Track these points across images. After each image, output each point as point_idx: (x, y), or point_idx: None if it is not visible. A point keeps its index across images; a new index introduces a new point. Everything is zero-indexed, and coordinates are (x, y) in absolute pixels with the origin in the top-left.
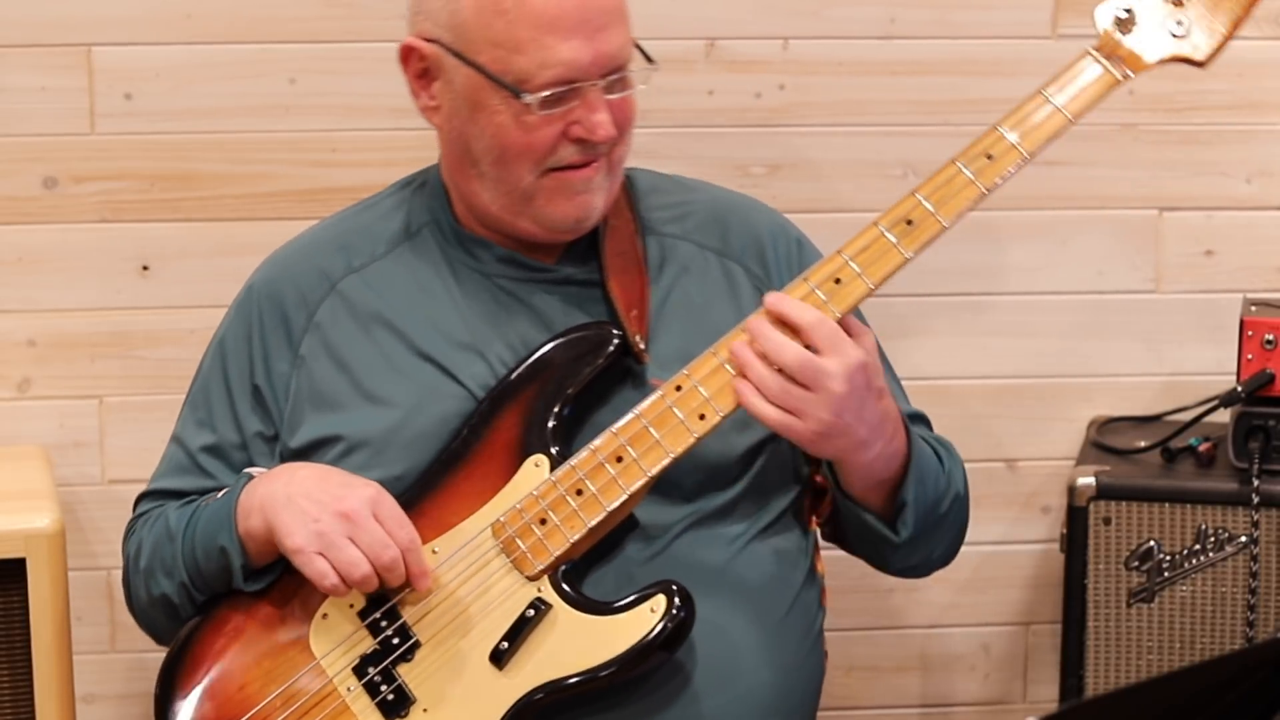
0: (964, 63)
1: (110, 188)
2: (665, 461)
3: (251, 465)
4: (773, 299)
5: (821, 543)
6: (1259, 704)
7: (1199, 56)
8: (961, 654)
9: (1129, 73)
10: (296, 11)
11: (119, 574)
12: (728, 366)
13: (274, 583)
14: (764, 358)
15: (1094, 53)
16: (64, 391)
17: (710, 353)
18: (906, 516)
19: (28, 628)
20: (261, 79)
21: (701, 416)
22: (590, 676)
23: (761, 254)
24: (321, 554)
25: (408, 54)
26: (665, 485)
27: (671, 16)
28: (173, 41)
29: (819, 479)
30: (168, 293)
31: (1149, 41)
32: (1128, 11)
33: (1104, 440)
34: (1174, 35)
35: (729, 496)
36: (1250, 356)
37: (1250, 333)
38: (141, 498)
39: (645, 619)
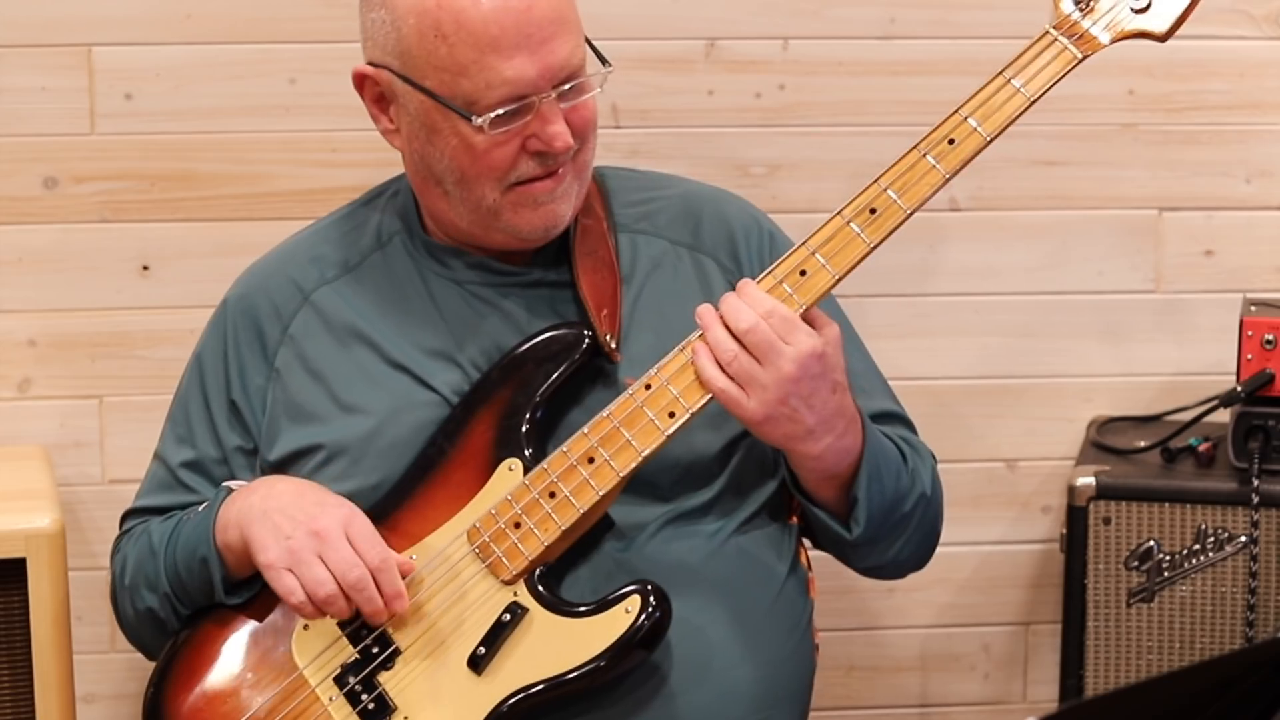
0: (964, 63)
1: (110, 188)
2: (637, 461)
3: (232, 479)
4: (729, 297)
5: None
6: (1259, 704)
7: (1159, 30)
8: (961, 654)
9: (1089, 50)
10: (296, 11)
11: None
12: (693, 349)
13: (256, 595)
14: (725, 325)
15: (1054, 31)
16: (64, 391)
17: (679, 350)
18: (858, 514)
19: (28, 627)
20: (261, 79)
21: (671, 414)
22: (567, 679)
23: (734, 247)
24: (290, 570)
25: (361, 80)
26: (641, 485)
27: (671, 16)
28: (173, 42)
29: None
30: (168, 293)
31: (1109, 18)
32: None
33: (1104, 440)
34: (1134, 10)
35: (707, 494)
36: (1250, 356)
37: (1250, 333)
38: (126, 515)
39: (621, 619)
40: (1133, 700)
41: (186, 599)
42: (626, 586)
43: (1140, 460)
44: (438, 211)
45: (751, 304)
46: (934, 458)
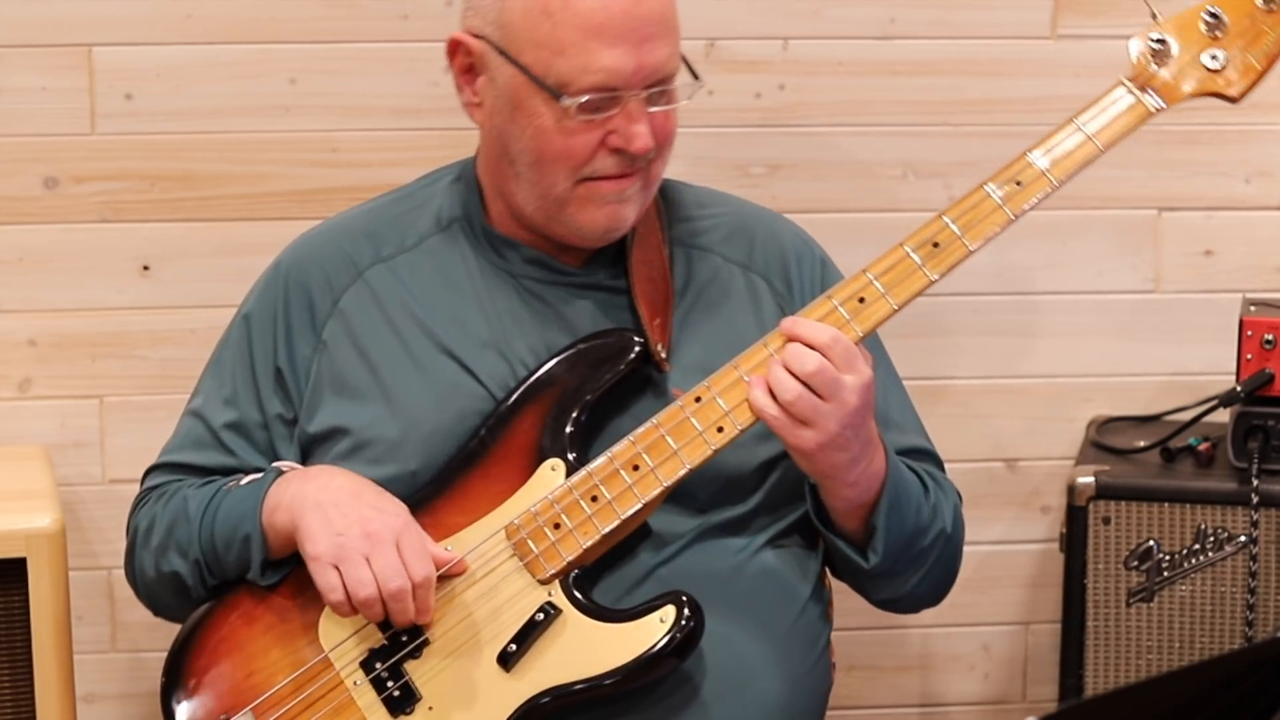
0: (964, 63)
1: (111, 188)
2: (682, 472)
3: (273, 445)
4: (788, 323)
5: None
6: (1258, 703)
7: (1233, 92)
8: (961, 654)
9: (1162, 104)
10: (296, 11)
11: (120, 573)
12: (747, 379)
13: (288, 573)
14: (785, 367)
15: (1127, 82)
16: (65, 391)
17: (731, 366)
18: (876, 543)
19: (28, 627)
20: (262, 79)
21: (720, 429)
22: (597, 683)
23: (786, 271)
24: (336, 566)
25: (455, 48)
26: (679, 495)
27: None
28: (173, 42)
29: None
30: (168, 293)
31: (1183, 74)
32: (1161, 42)
33: (1103, 440)
34: (1209, 69)
35: (742, 509)
36: (1249, 356)
37: (1249, 332)
38: (153, 469)
39: (654, 629)
40: (1132, 700)
41: (218, 570)
42: (661, 596)
43: (1140, 460)
44: (507, 192)
45: (812, 337)
46: (959, 496)
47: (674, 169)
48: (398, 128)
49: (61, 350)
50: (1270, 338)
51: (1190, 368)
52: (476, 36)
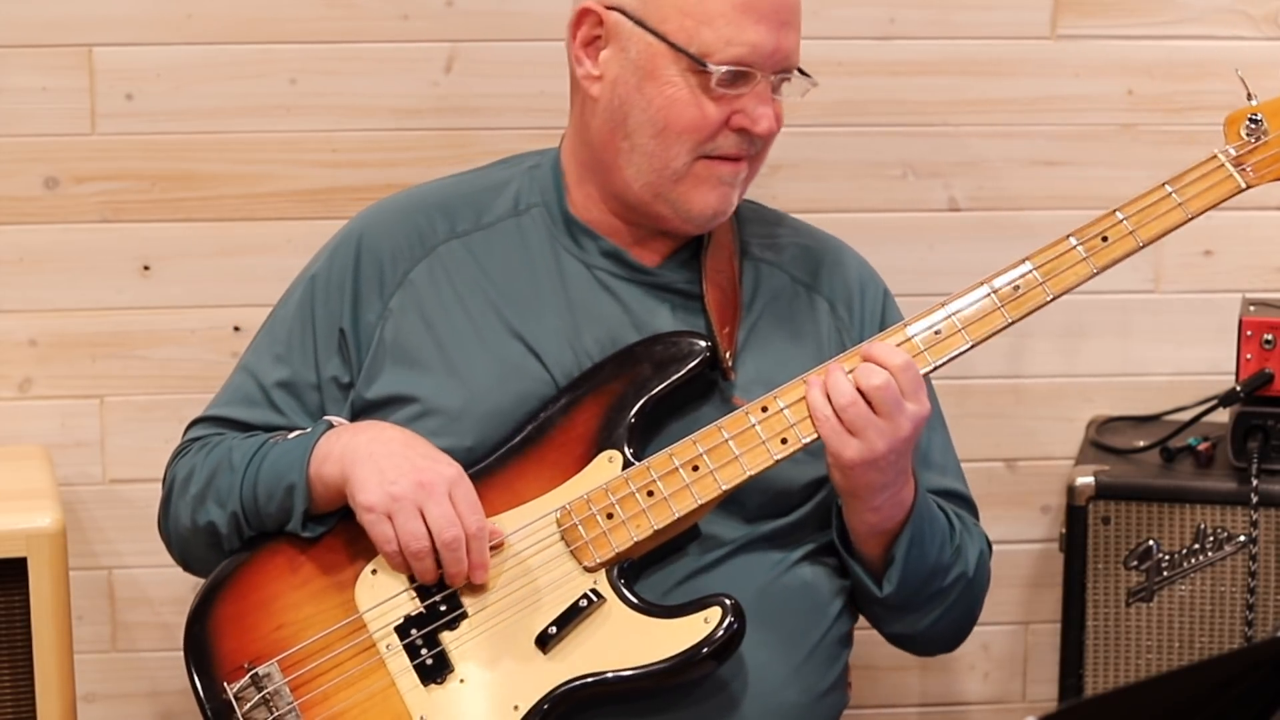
0: (964, 63)
1: (111, 188)
2: (741, 478)
3: (324, 408)
4: (866, 344)
5: None
6: (1257, 703)
7: None
8: (961, 653)
9: (1253, 180)
10: (297, 12)
11: (120, 573)
12: (807, 379)
13: (328, 529)
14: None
15: (1222, 155)
16: (65, 391)
17: (800, 380)
18: (892, 573)
19: (29, 627)
20: (262, 79)
21: (784, 440)
22: (635, 676)
23: (849, 299)
24: (389, 517)
25: (582, 18)
26: (728, 502)
27: None
28: (173, 42)
29: None
30: (169, 293)
31: (1277, 153)
32: (1257, 122)
33: (1103, 440)
34: None
35: (786, 522)
36: (1249, 356)
37: (1249, 332)
38: (197, 422)
39: (698, 628)
40: (1132, 700)
41: (256, 522)
42: (708, 597)
43: (1139, 460)
44: (611, 170)
45: (886, 358)
46: (989, 544)
47: None
48: (398, 128)
49: (62, 350)
50: (1270, 338)
51: (1190, 368)
52: (610, 8)
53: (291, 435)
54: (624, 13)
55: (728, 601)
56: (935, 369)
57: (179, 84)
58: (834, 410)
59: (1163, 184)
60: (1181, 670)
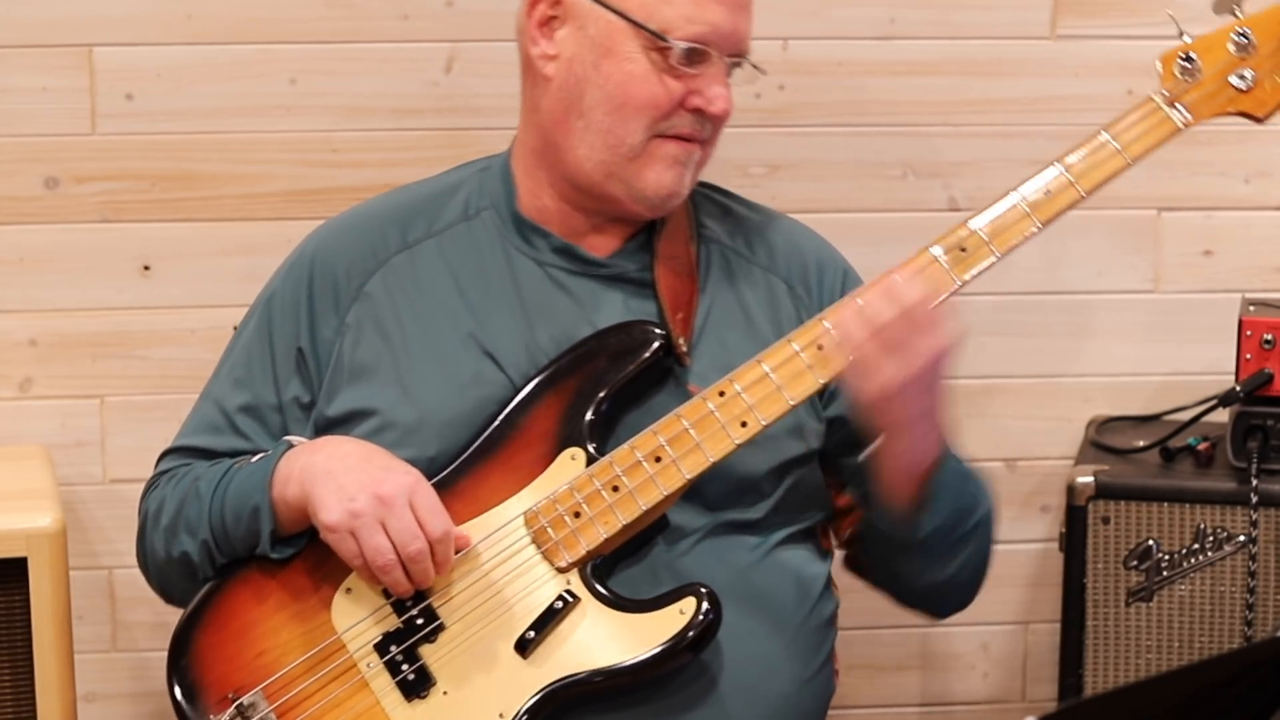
0: (963, 63)
1: (111, 188)
2: (705, 466)
3: (287, 430)
4: (895, 271)
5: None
6: (1257, 703)
7: (1260, 112)
8: (961, 653)
9: (1189, 118)
10: (297, 12)
11: (120, 573)
12: (772, 376)
13: (298, 553)
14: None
15: (1157, 97)
16: (65, 391)
17: (755, 361)
18: (934, 509)
19: (29, 627)
20: (262, 79)
21: (743, 424)
22: (616, 673)
23: (806, 277)
24: (353, 534)
25: None
26: (695, 491)
27: None
28: (174, 42)
29: (841, 501)
30: (169, 292)
31: (1212, 91)
32: (1190, 60)
33: (1103, 440)
34: (1237, 88)
35: (752, 514)
36: (1249, 356)
37: (1249, 332)
38: (167, 454)
39: (674, 620)
40: (1131, 699)
41: (226, 547)
42: (682, 588)
43: (1139, 460)
44: (563, 151)
45: (899, 295)
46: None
47: None
48: (398, 128)
49: (62, 350)
50: (1269, 338)
51: (1189, 367)
52: None
53: (254, 459)
54: None
55: (702, 590)
56: (962, 288)
57: (179, 84)
58: (871, 334)
59: (1099, 131)
60: (1181, 670)
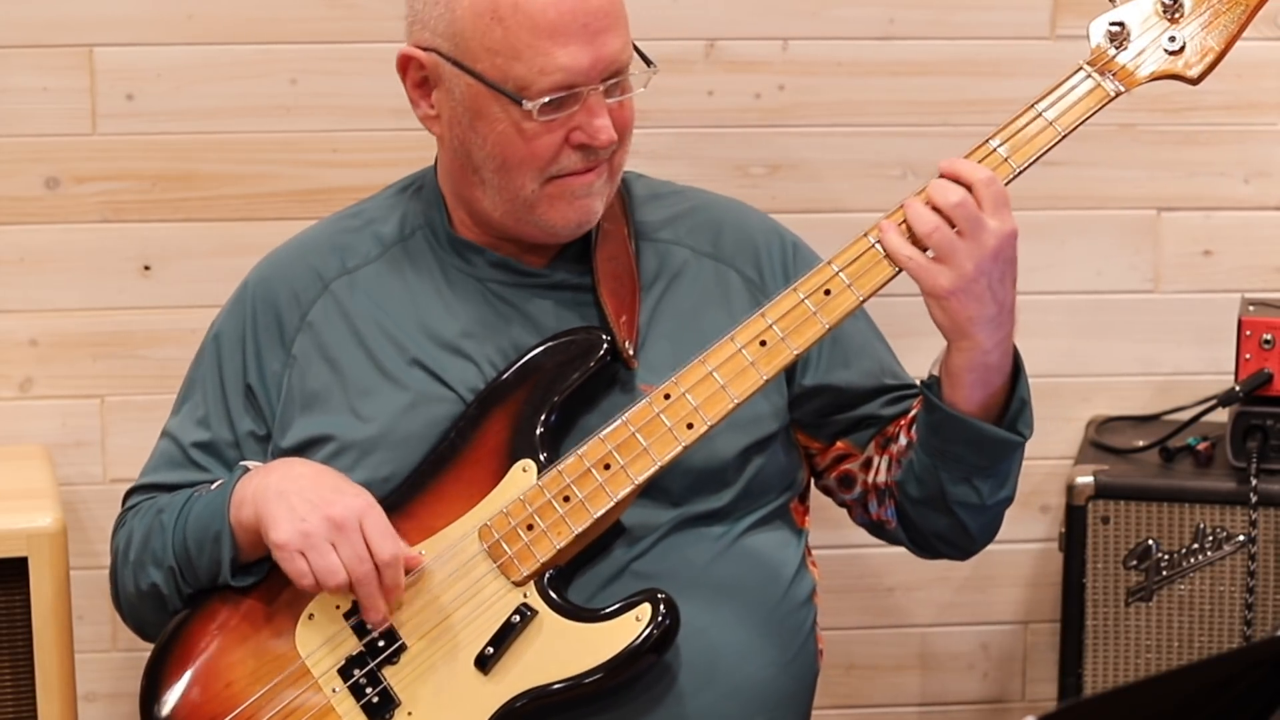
0: (963, 63)
1: (112, 188)
2: (652, 470)
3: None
4: (945, 162)
5: (812, 542)
6: (1257, 702)
7: (1192, 74)
8: (960, 653)
9: (1120, 87)
10: (297, 12)
11: None
12: (716, 376)
13: (261, 580)
14: (927, 201)
15: (1087, 66)
16: (66, 391)
17: (699, 361)
18: (1027, 415)
19: (29, 626)
20: (262, 80)
21: (689, 425)
22: (575, 683)
23: (756, 257)
24: (303, 554)
25: (405, 63)
26: (653, 489)
27: (671, 17)
28: (174, 42)
29: (839, 446)
30: (169, 293)
31: (1142, 56)
32: (1120, 25)
33: (1102, 439)
34: (1167, 51)
35: (718, 502)
36: (1248, 356)
37: (1248, 332)
38: (131, 492)
39: (630, 627)
40: (1131, 699)
41: (192, 577)
42: (637, 594)
43: (1139, 460)
44: (471, 200)
45: (966, 173)
46: None
47: (673, 170)
48: (398, 128)
49: (63, 350)
50: (1269, 337)
51: (1189, 367)
52: (426, 50)
53: (214, 486)
54: (440, 54)
55: (658, 595)
56: (1017, 174)
57: (180, 84)
58: (918, 238)
59: (1031, 104)
60: (1181, 670)
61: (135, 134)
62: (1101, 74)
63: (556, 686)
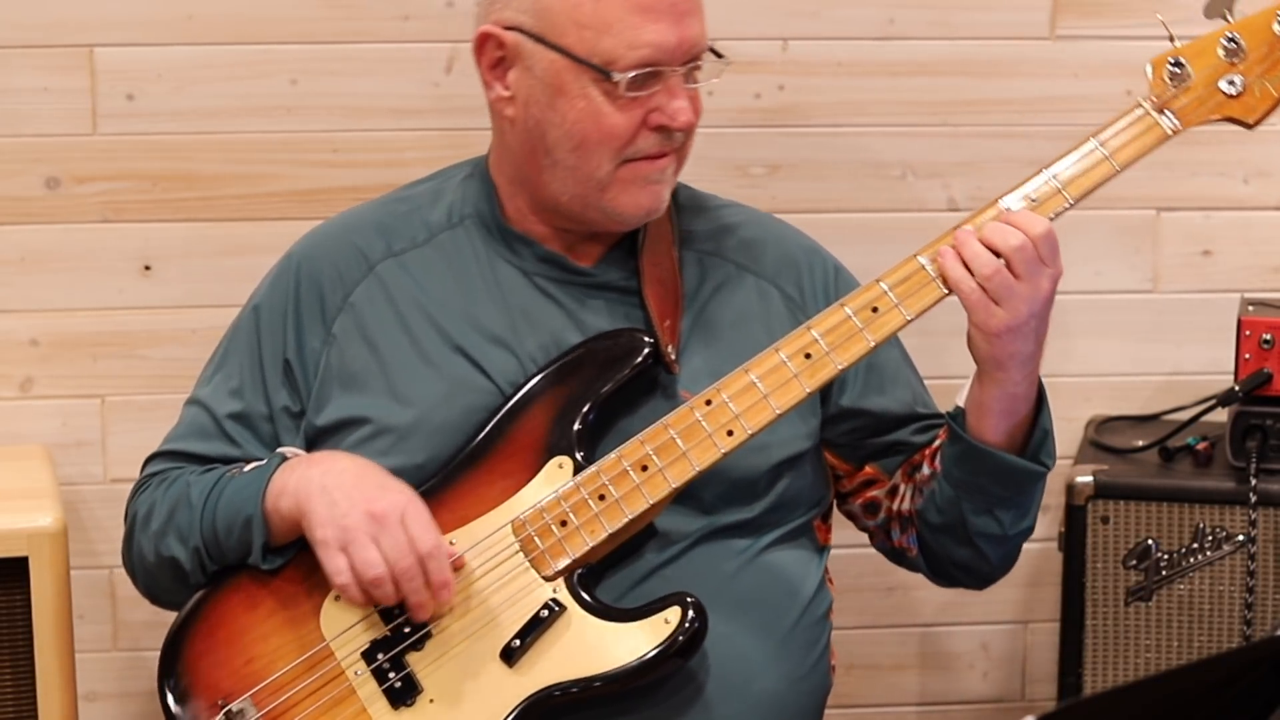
0: (963, 63)
1: (112, 188)
2: (691, 474)
3: (278, 437)
4: (1004, 211)
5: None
6: (1256, 702)
7: (1250, 119)
8: (960, 652)
9: (1178, 126)
10: (297, 12)
11: (121, 572)
12: (759, 385)
13: (289, 561)
14: (983, 242)
15: (1145, 103)
16: (66, 391)
17: (742, 370)
18: (1050, 446)
19: (30, 626)
20: (263, 80)
21: (730, 433)
22: (600, 682)
23: (798, 276)
24: (343, 550)
25: (484, 42)
26: (685, 495)
27: None
28: (174, 42)
29: (868, 471)
30: (169, 292)
31: (1201, 98)
32: (1180, 65)
33: (1102, 439)
34: (1227, 94)
35: (747, 514)
36: (1248, 356)
37: (1248, 332)
38: (154, 457)
39: (660, 629)
40: (1131, 699)
41: (218, 556)
42: (668, 597)
43: (1138, 459)
44: (536, 185)
45: (1024, 223)
46: None
47: None
48: (398, 128)
49: (63, 350)
50: (1268, 337)
51: (1188, 367)
52: (508, 28)
53: (247, 468)
54: (522, 31)
55: (688, 599)
56: (1062, 213)
57: (180, 84)
58: (977, 280)
59: (1088, 137)
60: (1180, 669)
61: (135, 134)
62: (1160, 111)
63: (581, 683)
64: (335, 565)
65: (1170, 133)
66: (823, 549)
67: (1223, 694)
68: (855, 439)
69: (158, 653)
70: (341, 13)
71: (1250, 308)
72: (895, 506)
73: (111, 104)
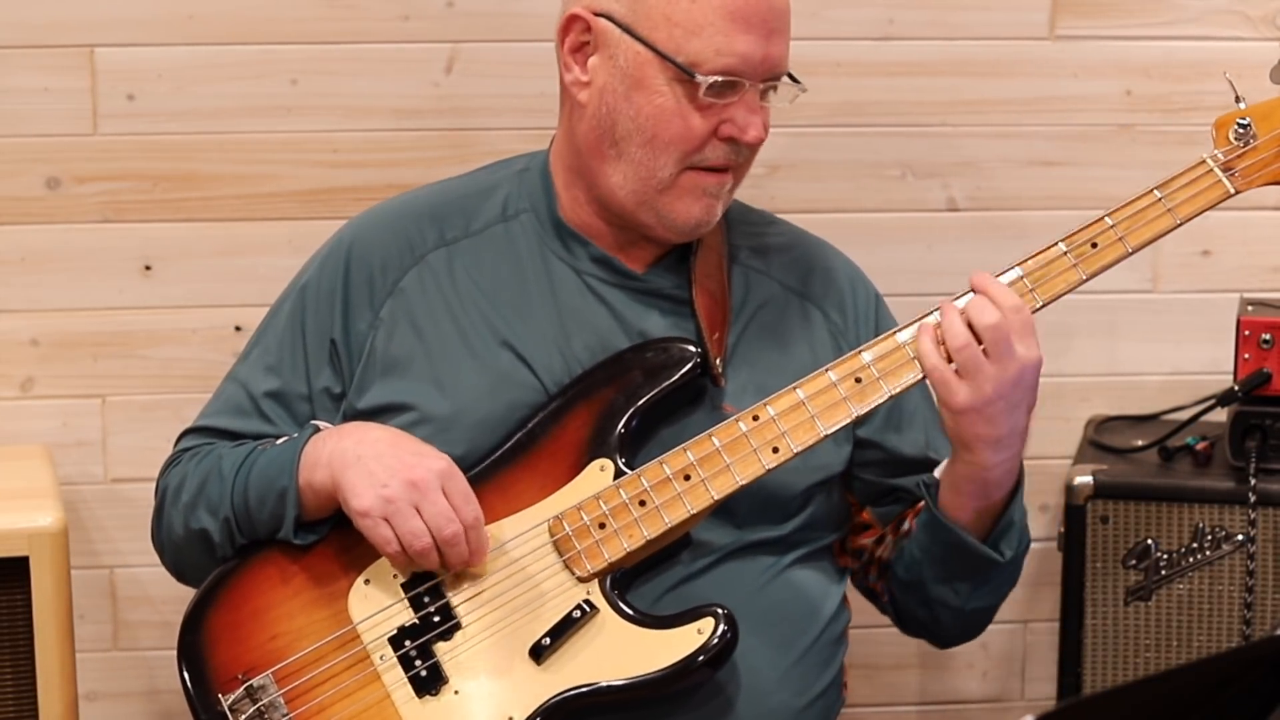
0: (962, 64)
1: (112, 188)
2: (733, 488)
3: (314, 419)
4: (978, 277)
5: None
6: (1255, 702)
7: None
8: (960, 652)
9: (1241, 185)
10: (298, 12)
11: (122, 572)
12: (808, 405)
13: (320, 540)
14: (963, 316)
15: (1210, 160)
16: (67, 391)
17: (791, 388)
18: (1012, 537)
19: (31, 626)
20: (263, 80)
21: (775, 449)
22: (629, 687)
23: (842, 302)
24: (387, 520)
25: (570, 24)
26: (721, 509)
27: None
28: (175, 42)
29: (864, 515)
30: (170, 292)
31: (1265, 160)
32: (1246, 126)
33: (1101, 439)
34: None
35: (777, 531)
36: (1247, 356)
37: (1247, 332)
38: (188, 432)
39: (692, 638)
40: (1130, 698)
41: (248, 529)
42: (701, 607)
43: (1138, 459)
44: (596, 176)
45: (998, 298)
46: None
47: None
48: (398, 128)
49: (63, 350)
50: (1268, 337)
51: (1188, 367)
52: (598, 14)
53: (280, 442)
54: (613, 20)
55: (720, 611)
56: (1041, 309)
57: (180, 84)
58: (945, 354)
59: (1151, 190)
60: (1179, 669)
61: (136, 134)
62: (1225, 171)
63: (610, 687)
64: (382, 535)
65: (1232, 191)
66: (844, 570)
67: (1222, 693)
68: (863, 470)
69: (158, 653)
70: (341, 13)
71: (1250, 308)
72: (877, 552)
73: (112, 104)
